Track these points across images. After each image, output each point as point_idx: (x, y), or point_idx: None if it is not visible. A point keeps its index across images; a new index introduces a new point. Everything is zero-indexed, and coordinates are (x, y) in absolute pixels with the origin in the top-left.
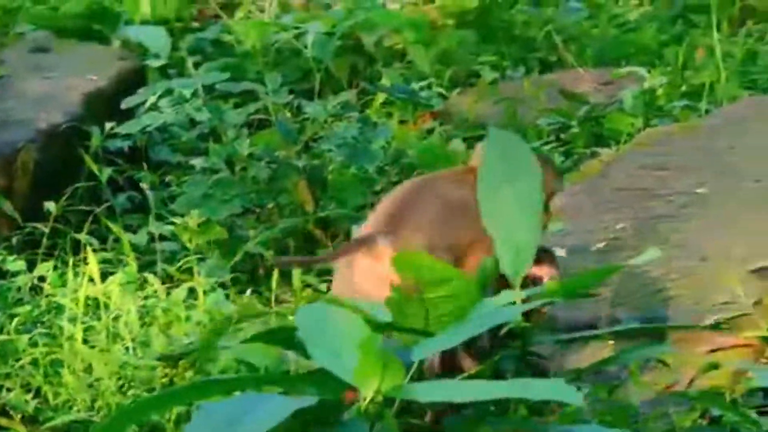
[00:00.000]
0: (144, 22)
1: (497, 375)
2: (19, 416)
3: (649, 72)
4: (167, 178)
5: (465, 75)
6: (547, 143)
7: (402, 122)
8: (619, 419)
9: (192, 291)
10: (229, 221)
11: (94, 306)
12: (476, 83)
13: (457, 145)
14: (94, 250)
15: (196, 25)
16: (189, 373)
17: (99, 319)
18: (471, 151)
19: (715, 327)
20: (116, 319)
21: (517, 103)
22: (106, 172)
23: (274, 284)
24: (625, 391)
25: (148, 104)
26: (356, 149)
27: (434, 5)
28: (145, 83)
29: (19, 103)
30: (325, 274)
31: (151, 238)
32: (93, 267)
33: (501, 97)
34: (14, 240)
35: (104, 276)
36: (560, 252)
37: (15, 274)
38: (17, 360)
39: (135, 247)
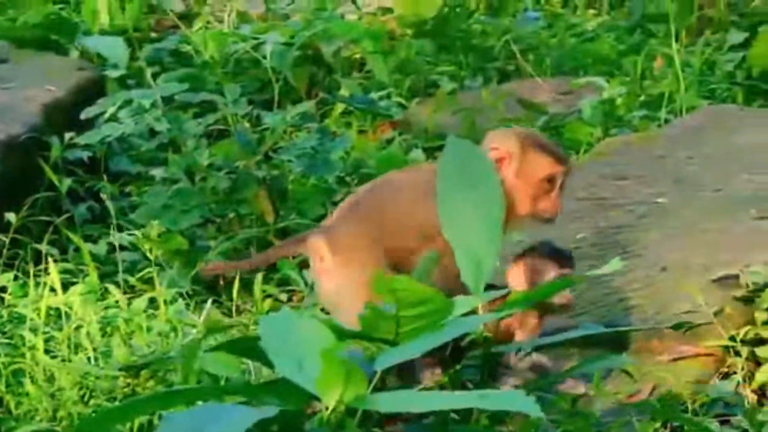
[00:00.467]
0: (102, 33)
1: (460, 385)
2: None
3: (607, 82)
4: (127, 189)
5: (424, 85)
6: None
7: (361, 132)
8: (581, 429)
9: (153, 301)
10: (190, 231)
11: (55, 316)
12: (435, 93)
13: (417, 154)
14: (55, 261)
15: (154, 35)
16: (150, 383)
17: (60, 329)
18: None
19: (677, 327)
20: (78, 329)
21: (475, 112)
22: (66, 183)
23: (234, 294)
24: (587, 401)
25: (107, 115)
26: (315, 159)
27: (392, 15)
28: (104, 94)
29: None
30: (286, 284)
31: (112, 249)
32: (54, 277)
33: (460, 107)
34: None
35: (65, 286)
36: None
37: None
38: None
39: (95, 258)
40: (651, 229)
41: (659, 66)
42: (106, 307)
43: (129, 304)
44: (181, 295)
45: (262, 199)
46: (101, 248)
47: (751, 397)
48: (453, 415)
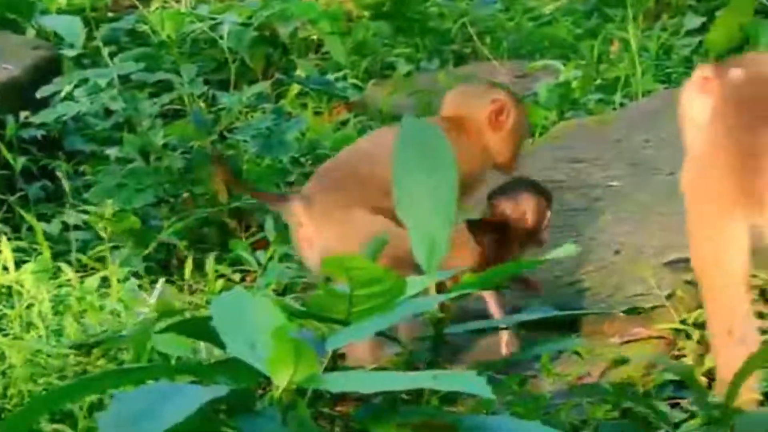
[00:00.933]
0: (59, 12)
1: (410, 365)
2: None
3: (564, 65)
4: (81, 168)
5: (380, 66)
6: None
7: (317, 113)
8: (531, 410)
9: (105, 280)
10: (144, 211)
11: (7, 294)
12: (391, 75)
13: None
14: (8, 239)
15: (111, 15)
16: (102, 362)
17: (12, 307)
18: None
19: (629, 312)
20: (29, 307)
21: (432, 94)
22: (21, 161)
23: (187, 274)
24: (538, 383)
25: (63, 94)
26: (271, 140)
27: None
28: (60, 73)
29: None
30: (239, 264)
31: (65, 227)
32: (6, 255)
33: (416, 89)
34: None
35: (18, 264)
36: None
37: None
38: None
39: (48, 236)
40: (605, 212)
41: (616, 50)
42: (59, 286)
43: (81, 283)
44: (133, 274)
45: (217, 179)
46: (54, 227)
47: (702, 380)
48: (404, 395)
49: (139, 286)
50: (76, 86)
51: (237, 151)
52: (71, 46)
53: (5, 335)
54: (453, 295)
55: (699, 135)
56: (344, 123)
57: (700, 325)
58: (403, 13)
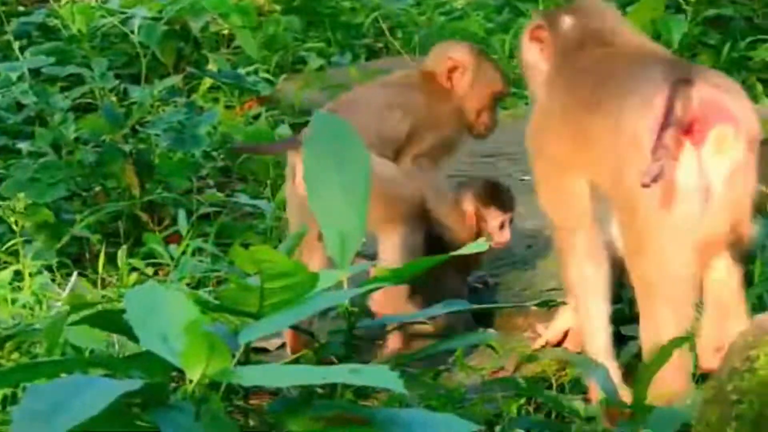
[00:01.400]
0: None
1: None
2: None
3: None
4: None
5: (291, 61)
6: None
7: (228, 107)
8: (445, 404)
9: (18, 273)
10: (56, 204)
11: None
12: (303, 69)
13: (284, 130)
14: None
15: (22, 9)
16: (15, 355)
17: None
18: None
19: (543, 305)
20: None
21: (343, 89)
22: None
23: (100, 267)
24: (452, 376)
25: None
26: (182, 134)
27: None
28: None
29: None
30: (152, 257)
31: None
32: None
33: (327, 84)
34: None
35: None
36: None
37: None
38: None
39: None
40: (518, 206)
41: None
42: None
43: None
44: (46, 267)
45: (129, 173)
46: None
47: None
48: (318, 389)
49: (52, 280)
50: None
51: (149, 144)
52: None
53: None
54: (366, 289)
55: (537, 85)
56: (256, 117)
57: (616, 320)
58: (314, 7)
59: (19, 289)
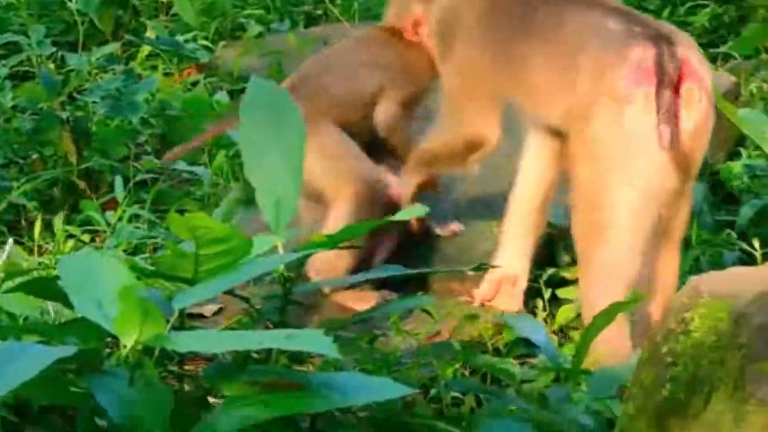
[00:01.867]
0: None
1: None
2: None
3: None
4: None
5: (230, 28)
6: None
7: (167, 75)
8: (380, 368)
9: None
10: None
11: None
12: (242, 36)
13: (222, 97)
14: None
15: None
16: None
17: None
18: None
19: (478, 269)
20: None
21: (282, 56)
22: None
23: (36, 234)
24: (388, 341)
25: None
26: (120, 101)
27: None
28: None
29: None
30: (89, 224)
31: None
32: None
33: (267, 51)
34: None
35: None
36: None
37: None
38: None
39: None
40: None
41: None
42: None
43: None
44: None
45: (66, 141)
46: None
47: (553, 338)
48: (253, 354)
49: None
50: None
51: (86, 112)
52: None
53: None
54: (301, 254)
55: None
56: (194, 84)
57: (552, 283)
58: None
59: None
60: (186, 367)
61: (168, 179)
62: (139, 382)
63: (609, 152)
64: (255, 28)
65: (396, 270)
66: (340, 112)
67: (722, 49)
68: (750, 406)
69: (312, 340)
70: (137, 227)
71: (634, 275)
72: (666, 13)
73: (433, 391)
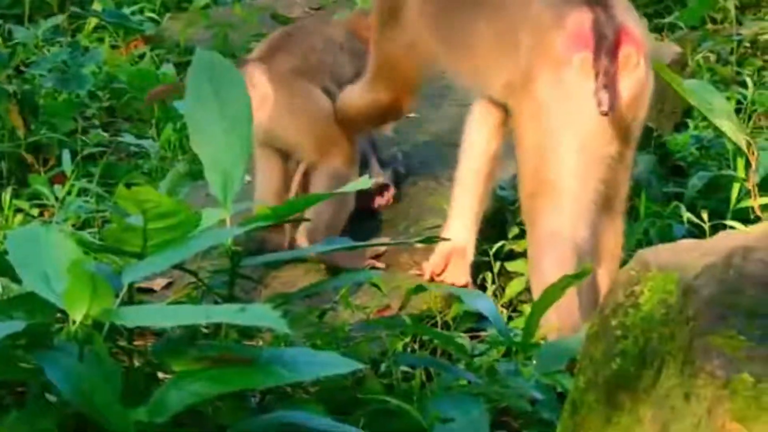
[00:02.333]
0: None
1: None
2: None
3: None
4: None
5: (177, 0)
6: None
7: (113, 47)
8: (330, 342)
9: None
10: None
11: None
12: (188, 8)
13: (169, 69)
14: None
15: None
16: None
17: None
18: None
19: (427, 241)
20: None
21: (228, 27)
22: None
23: None
24: (337, 315)
25: None
26: (67, 74)
27: None
28: None
29: None
30: (37, 198)
31: None
32: None
33: (212, 22)
34: None
35: None
36: None
37: None
38: None
39: None
40: (402, 142)
41: None
42: None
43: None
44: None
45: (14, 114)
46: None
47: (503, 312)
48: (202, 329)
49: None
50: None
51: (33, 85)
52: None
53: None
54: (249, 227)
55: None
56: (141, 56)
57: (501, 257)
58: None
59: None
60: (135, 342)
61: (116, 153)
62: (89, 358)
63: (550, 117)
64: (201, 0)
65: (344, 243)
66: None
67: (668, 19)
68: (699, 380)
69: (261, 314)
70: (86, 201)
71: (580, 240)
72: None
73: (383, 366)
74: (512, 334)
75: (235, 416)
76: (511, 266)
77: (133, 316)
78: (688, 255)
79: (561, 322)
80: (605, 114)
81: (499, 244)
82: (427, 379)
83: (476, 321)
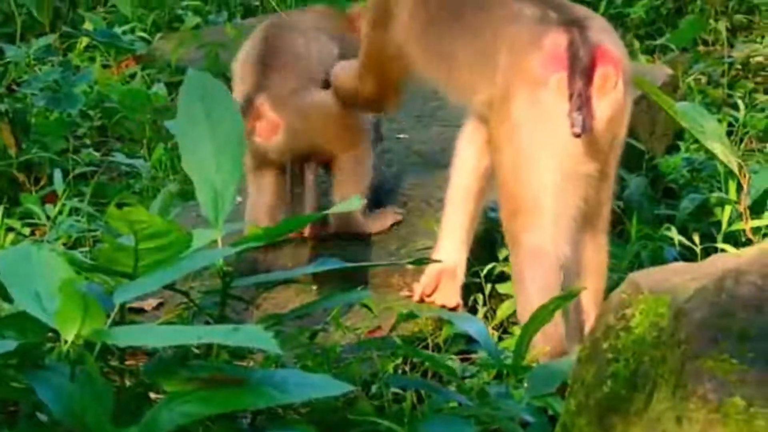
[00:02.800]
0: None
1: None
2: None
3: None
4: None
5: (168, 19)
6: None
7: (105, 66)
8: (321, 363)
9: None
10: None
11: None
12: (179, 28)
13: (160, 89)
14: None
15: None
16: None
17: None
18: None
19: (418, 263)
20: None
21: (219, 47)
22: None
23: None
24: (328, 336)
25: None
26: (59, 93)
27: None
28: None
29: None
30: (28, 217)
31: None
32: None
33: (203, 42)
34: None
35: None
36: None
37: None
38: None
39: None
40: (393, 164)
41: None
42: None
43: None
44: None
45: (5, 133)
46: None
47: (493, 334)
48: (194, 349)
49: None
50: None
51: (25, 104)
52: None
53: None
54: (240, 248)
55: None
56: (132, 76)
57: (492, 279)
58: None
59: None
60: (127, 362)
61: (107, 172)
62: (81, 378)
63: (527, 137)
64: (192, 20)
65: (336, 264)
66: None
67: (660, 41)
68: (691, 403)
69: (253, 335)
70: (77, 220)
71: (562, 257)
72: (603, 4)
73: (374, 387)
74: (503, 356)
75: None
76: (502, 288)
77: (125, 337)
78: (680, 278)
79: (547, 342)
80: (577, 135)
81: (490, 265)
82: (418, 401)
83: (467, 343)
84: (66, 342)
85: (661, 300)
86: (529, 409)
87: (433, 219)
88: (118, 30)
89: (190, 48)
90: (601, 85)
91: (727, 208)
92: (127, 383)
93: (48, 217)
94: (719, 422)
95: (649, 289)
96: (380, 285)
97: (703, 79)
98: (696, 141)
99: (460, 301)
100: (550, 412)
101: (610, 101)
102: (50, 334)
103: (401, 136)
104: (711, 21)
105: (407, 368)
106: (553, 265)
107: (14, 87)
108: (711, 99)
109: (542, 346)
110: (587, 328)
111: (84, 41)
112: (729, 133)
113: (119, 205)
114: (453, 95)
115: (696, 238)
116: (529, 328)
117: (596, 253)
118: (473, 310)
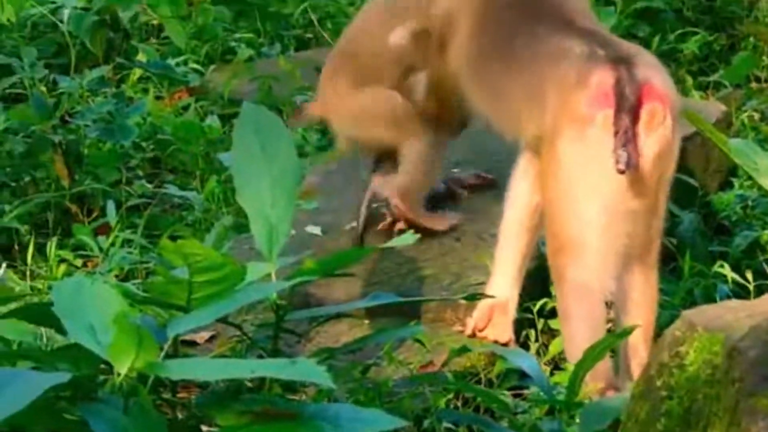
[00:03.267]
0: None
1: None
2: None
3: None
4: None
5: (221, 51)
6: None
7: (158, 98)
8: (373, 398)
9: None
10: None
11: None
12: (232, 60)
13: (213, 121)
14: None
15: None
16: None
17: None
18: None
19: (471, 298)
20: None
21: (272, 80)
22: None
23: (29, 259)
24: (380, 370)
25: None
26: (112, 125)
27: None
28: None
29: None
30: (81, 249)
31: None
32: None
33: (257, 74)
34: None
35: None
36: (315, 230)
37: None
38: None
39: None
40: (446, 199)
41: None
42: None
43: None
44: None
45: (58, 164)
46: None
47: (545, 369)
48: (246, 383)
49: None
50: None
51: (78, 135)
52: None
53: None
54: (294, 282)
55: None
56: (185, 108)
57: (544, 314)
58: None
59: None
60: (179, 395)
61: (160, 204)
62: (134, 410)
63: (572, 173)
64: (245, 52)
65: (389, 298)
66: (380, 72)
67: (713, 77)
68: None
69: (306, 369)
70: (129, 252)
71: (607, 295)
72: (656, 40)
73: (426, 422)
74: (555, 392)
75: None
76: (554, 323)
77: (178, 370)
78: (734, 315)
79: (596, 378)
80: (622, 172)
81: (542, 301)
82: None
83: (519, 378)
84: (119, 375)
85: (716, 338)
86: None
87: (486, 254)
88: (171, 62)
89: (243, 80)
90: (648, 121)
91: None
92: (180, 416)
93: (101, 249)
94: None
95: (703, 327)
96: (433, 320)
97: (757, 116)
98: (750, 178)
99: (512, 336)
100: None
101: (657, 138)
102: (103, 366)
103: (455, 170)
104: (764, 57)
105: (459, 403)
106: (598, 301)
107: (67, 118)
108: (764, 136)
109: (594, 383)
110: (634, 364)
111: (137, 73)
112: None
113: (172, 238)
114: (504, 130)
115: (749, 275)
116: (582, 364)
117: (646, 288)
118: (525, 346)
